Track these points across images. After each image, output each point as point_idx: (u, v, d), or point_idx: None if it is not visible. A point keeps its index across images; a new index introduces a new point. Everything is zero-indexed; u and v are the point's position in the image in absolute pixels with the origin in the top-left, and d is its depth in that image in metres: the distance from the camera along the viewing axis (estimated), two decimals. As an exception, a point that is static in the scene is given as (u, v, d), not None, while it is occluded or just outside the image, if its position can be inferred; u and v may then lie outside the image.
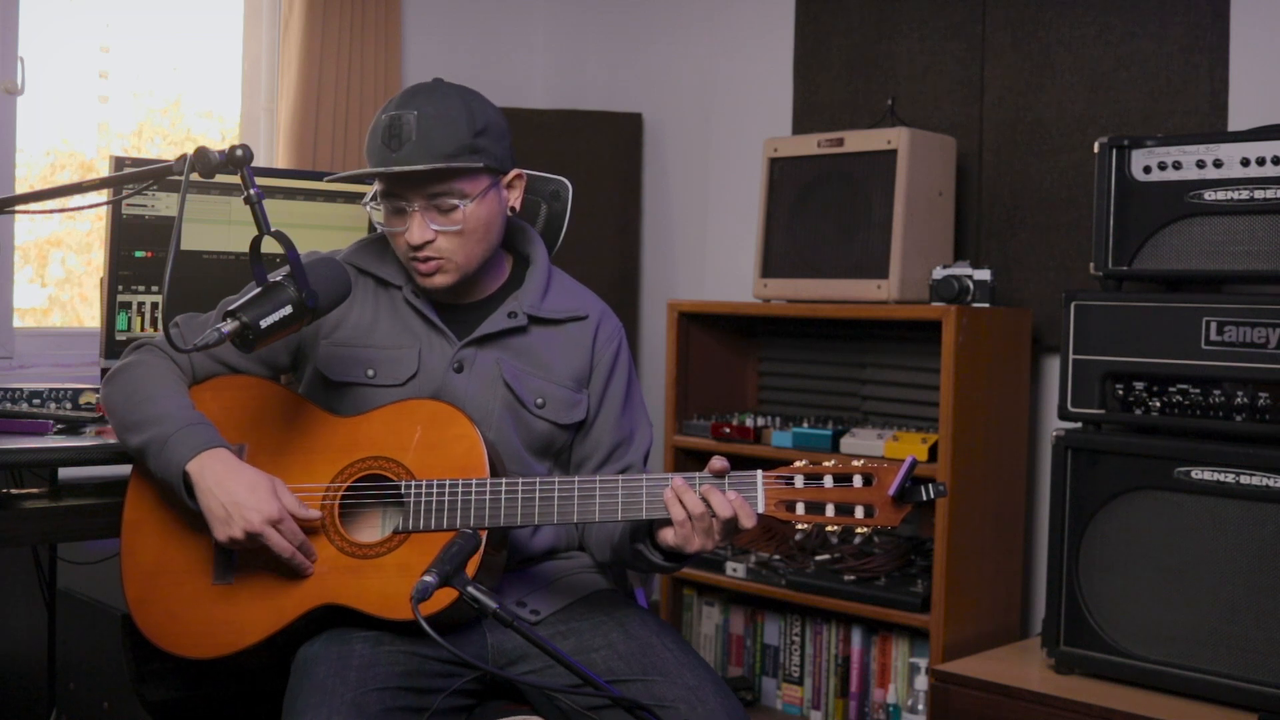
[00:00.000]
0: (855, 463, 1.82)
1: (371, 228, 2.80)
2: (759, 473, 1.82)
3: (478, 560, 1.80)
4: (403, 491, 1.88)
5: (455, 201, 1.95)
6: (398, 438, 1.91)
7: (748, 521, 1.79)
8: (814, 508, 1.80)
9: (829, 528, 1.81)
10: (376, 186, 2.00)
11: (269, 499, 1.83)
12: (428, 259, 1.97)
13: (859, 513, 1.79)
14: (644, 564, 1.94)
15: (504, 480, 1.86)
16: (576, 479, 1.85)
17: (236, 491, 1.82)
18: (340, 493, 1.91)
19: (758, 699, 3.35)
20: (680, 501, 1.80)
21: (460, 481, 1.86)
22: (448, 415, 1.91)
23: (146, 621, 1.93)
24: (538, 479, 1.86)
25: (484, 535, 1.82)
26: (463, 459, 1.88)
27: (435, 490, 1.86)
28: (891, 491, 1.78)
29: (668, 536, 1.85)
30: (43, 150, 3.55)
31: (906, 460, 1.78)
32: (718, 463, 1.82)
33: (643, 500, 1.83)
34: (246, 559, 1.90)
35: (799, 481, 1.81)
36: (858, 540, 1.82)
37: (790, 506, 1.81)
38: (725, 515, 1.78)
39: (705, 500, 1.79)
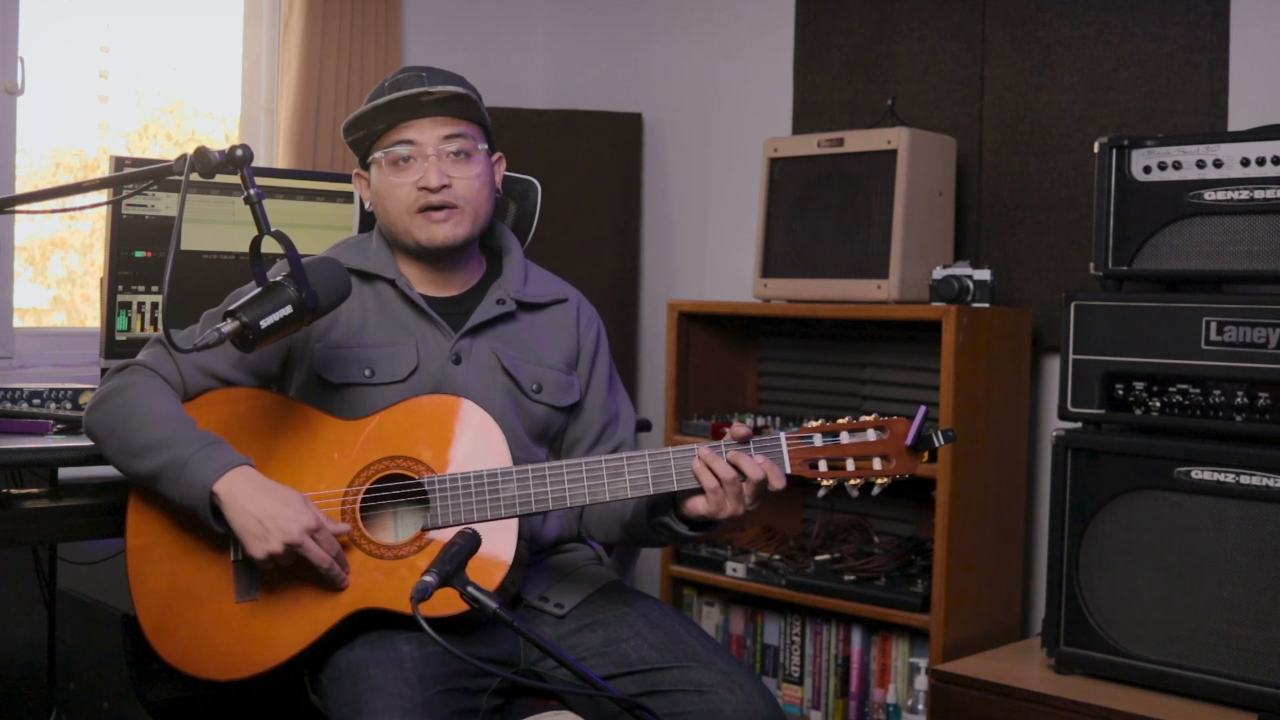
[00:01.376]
0: (866, 418, 1.87)
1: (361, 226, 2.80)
2: (782, 435, 1.85)
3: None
4: (426, 488, 1.87)
5: (470, 144, 2.00)
6: (411, 435, 1.90)
7: (778, 482, 1.82)
8: (835, 464, 1.85)
9: (851, 482, 1.85)
10: (377, 150, 2.01)
11: (304, 509, 1.81)
12: (442, 205, 1.98)
13: (877, 464, 1.85)
14: (665, 536, 1.94)
15: (530, 466, 1.86)
16: (604, 457, 1.86)
17: (270, 505, 1.80)
18: (360, 496, 1.89)
19: (758, 699, 3.35)
20: (710, 470, 1.82)
21: (485, 472, 1.85)
22: (460, 408, 1.90)
23: (170, 650, 1.89)
24: (564, 461, 1.86)
25: (517, 523, 1.84)
26: (482, 450, 1.88)
27: (460, 483, 1.86)
28: (908, 440, 1.83)
29: (698, 506, 1.85)
30: (45, 150, 3.55)
31: (920, 409, 1.83)
32: (741, 429, 1.84)
33: (672, 472, 1.84)
34: (269, 573, 1.87)
35: (818, 440, 1.85)
36: (877, 491, 1.85)
37: (814, 465, 1.85)
38: (757, 478, 1.80)
39: (735, 466, 1.81)
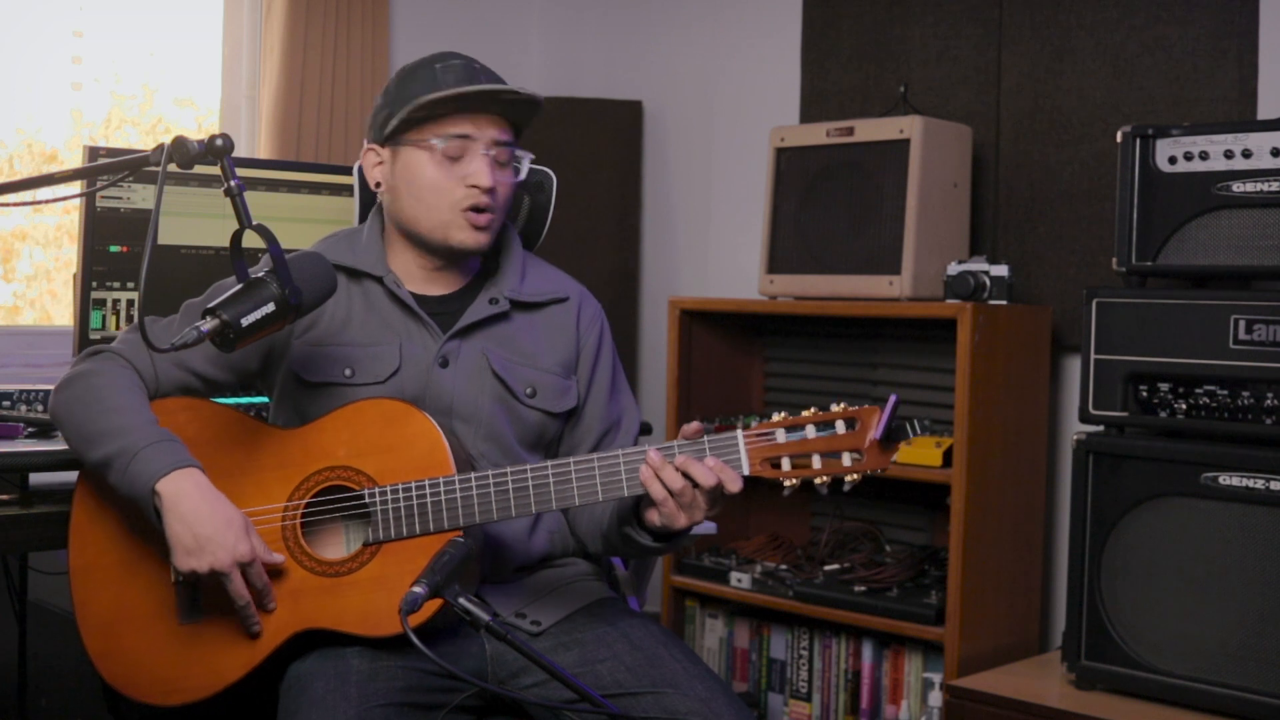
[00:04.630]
0: (835, 408, 1.81)
1: (362, 218, 2.80)
2: (739, 432, 1.79)
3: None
4: (367, 500, 1.86)
5: (511, 153, 2.02)
6: (352, 443, 1.88)
7: (733, 486, 1.77)
8: (800, 461, 1.78)
9: (818, 480, 1.79)
10: (430, 135, 1.98)
11: (243, 538, 1.81)
12: (487, 207, 1.98)
13: (846, 460, 1.78)
14: (635, 549, 1.93)
15: (473, 475, 1.84)
16: (550, 463, 1.83)
17: (211, 524, 1.80)
18: (300, 510, 1.89)
19: (764, 716, 3.36)
20: (659, 479, 1.78)
21: (426, 482, 1.84)
22: (403, 413, 1.88)
23: (115, 675, 1.91)
24: (509, 469, 1.84)
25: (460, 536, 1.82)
26: (425, 458, 1.86)
27: (401, 495, 1.84)
28: (878, 434, 1.77)
29: (653, 517, 1.83)
30: (8, 140, 3.55)
31: (890, 399, 1.77)
32: (692, 426, 1.80)
33: (622, 478, 1.81)
34: (213, 594, 1.88)
35: (781, 436, 1.79)
36: (847, 488, 1.81)
37: (776, 464, 1.78)
38: (708, 485, 1.76)
39: (685, 473, 1.77)
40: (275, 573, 1.87)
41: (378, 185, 2.04)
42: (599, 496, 1.83)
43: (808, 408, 1.82)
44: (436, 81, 1.97)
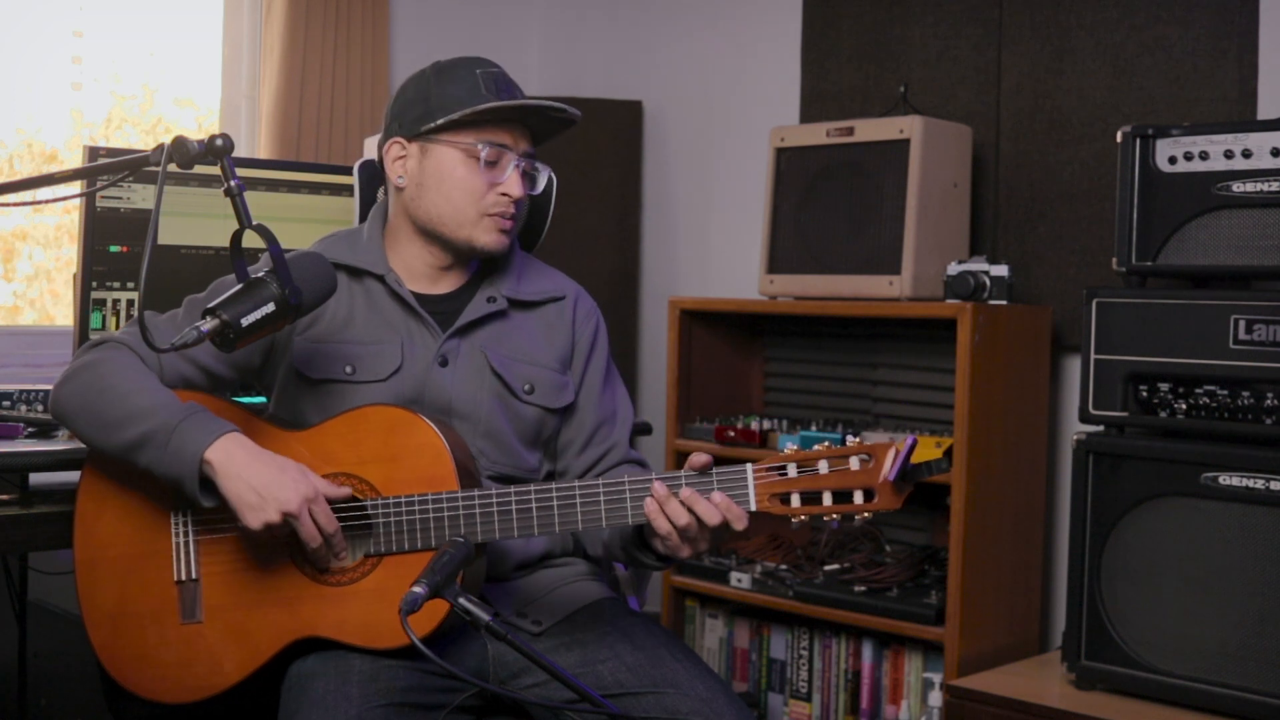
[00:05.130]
0: (851, 442, 1.79)
1: (362, 217, 2.80)
2: (749, 466, 1.78)
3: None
4: (369, 511, 1.86)
5: (538, 164, 2.07)
6: (356, 450, 1.89)
7: (738, 524, 1.77)
8: (810, 498, 1.76)
9: (826, 517, 1.77)
10: (473, 139, 2.00)
11: (302, 478, 1.81)
12: (513, 216, 2.04)
13: (858, 498, 1.75)
14: (637, 564, 1.97)
15: (476, 493, 1.84)
16: (554, 485, 1.85)
17: (267, 473, 1.80)
18: None
19: (764, 716, 3.36)
20: (664, 513, 1.79)
21: (430, 496, 1.84)
22: (408, 423, 1.88)
23: (118, 668, 1.93)
24: (513, 489, 1.85)
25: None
26: (429, 470, 1.86)
27: (404, 508, 1.85)
28: (891, 474, 1.74)
29: (655, 544, 1.85)
30: (8, 139, 3.55)
31: (907, 440, 1.75)
32: (698, 459, 1.79)
33: (627, 507, 1.82)
34: (212, 594, 1.89)
35: (792, 470, 1.77)
36: (858, 523, 1.79)
37: (785, 499, 1.77)
38: (713, 523, 1.77)
39: (690, 509, 1.78)
40: (277, 578, 1.88)
41: (400, 179, 2.05)
42: (603, 523, 1.83)
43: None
44: (480, 88, 2.00)
